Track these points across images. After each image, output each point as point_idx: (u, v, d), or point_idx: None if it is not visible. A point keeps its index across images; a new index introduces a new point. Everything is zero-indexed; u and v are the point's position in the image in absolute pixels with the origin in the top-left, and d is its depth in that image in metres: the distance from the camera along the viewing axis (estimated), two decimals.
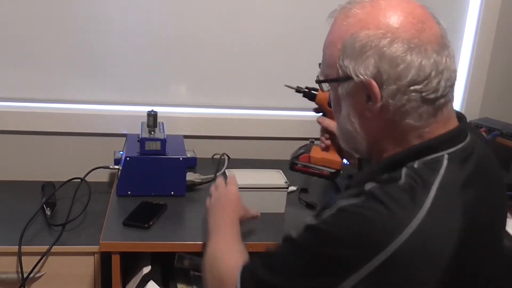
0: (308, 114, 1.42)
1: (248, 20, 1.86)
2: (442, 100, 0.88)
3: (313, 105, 1.46)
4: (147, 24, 1.81)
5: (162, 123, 1.68)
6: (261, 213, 1.34)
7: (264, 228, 1.39)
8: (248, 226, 1.34)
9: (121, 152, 1.67)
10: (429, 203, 0.81)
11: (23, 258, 1.37)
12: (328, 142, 1.37)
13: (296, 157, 1.52)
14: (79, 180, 1.61)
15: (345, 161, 1.44)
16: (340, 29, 0.89)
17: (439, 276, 0.81)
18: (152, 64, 1.85)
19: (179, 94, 1.91)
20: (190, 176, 1.66)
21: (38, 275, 1.41)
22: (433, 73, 0.85)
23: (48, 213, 1.54)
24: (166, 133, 1.61)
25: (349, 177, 1.55)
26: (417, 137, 0.89)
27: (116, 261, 1.33)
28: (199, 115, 1.91)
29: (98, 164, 1.64)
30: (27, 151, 1.84)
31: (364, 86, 0.86)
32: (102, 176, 1.78)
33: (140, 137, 1.58)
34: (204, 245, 1.18)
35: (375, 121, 0.89)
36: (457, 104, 2.10)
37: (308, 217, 0.88)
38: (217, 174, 1.76)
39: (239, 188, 1.29)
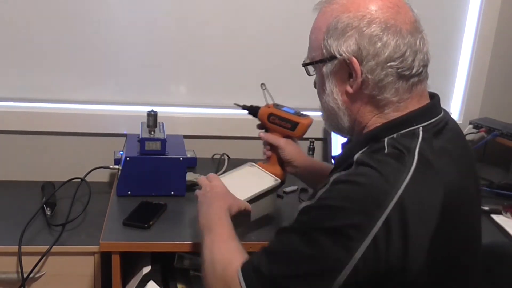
0: (308, 114, 1.43)
1: (248, 21, 1.86)
2: (416, 78, 0.96)
3: (314, 104, 1.46)
4: (147, 24, 1.81)
5: (162, 123, 1.68)
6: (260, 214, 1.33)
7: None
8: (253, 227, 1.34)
9: (121, 152, 1.67)
10: (414, 164, 0.89)
11: (23, 258, 1.37)
12: (269, 153, 1.43)
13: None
14: (79, 180, 1.61)
15: None
16: (325, 16, 0.98)
17: (433, 229, 0.87)
18: (152, 64, 1.85)
19: (179, 94, 1.91)
20: (190, 176, 1.66)
21: (38, 275, 1.41)
22: (408, 52, 0.94)
23: (48, 213, 1.54)
24: (166, 133, 1.61)
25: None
26: (394, 111, 0.97)
27: (116, 261, 1.33)
28: (199, 115, 1.91)
29: (98, 164, 1.64)
30: (27, 151, 1.84)
31: (345, 64, 0.95)
32: (102, 176, 1.78)
33: (140, 137, 1.58)
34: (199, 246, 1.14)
35: (356, 96, 0.98)
36: (457, 104, 2.10)
37: (300, 205, 0.94)
38: (217, 174, 1.76)
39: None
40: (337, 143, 1.91)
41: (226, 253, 1.02)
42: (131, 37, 1.81)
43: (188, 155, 1.74)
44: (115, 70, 1.84)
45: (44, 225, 1.50)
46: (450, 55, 2.02)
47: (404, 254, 0.85)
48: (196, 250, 1.32)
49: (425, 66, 0.98)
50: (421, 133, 0.95)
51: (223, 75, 1.90)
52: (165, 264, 1.44)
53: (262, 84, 1.55)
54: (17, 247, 1.37)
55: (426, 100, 1.00)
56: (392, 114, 0.97)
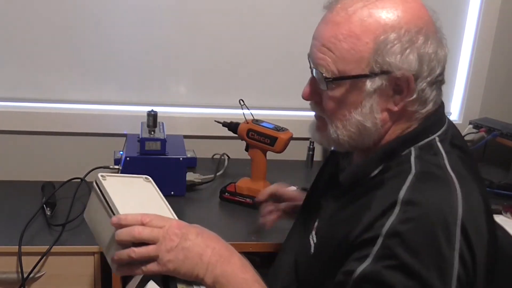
0: (308, 114, 1.43)
1: (249, 20, 1.86)
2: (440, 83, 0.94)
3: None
4: (147, 24, 1.81)
5: (162, 123, 1.68)
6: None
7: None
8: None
9: (121, 152, 1.67)
10: (456, 183, 0.85)
11: (23, 258, 1.37)
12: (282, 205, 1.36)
13: (225, 186, 1.63)
14: (79, 180, 1.61)
15: None
16: (364, 22, 0.86)
17: (486, 242, 0.86)
18: (152, 64, 1.85)
19: (179, 94, 1.91)
20: (190, 176, 1.66)
21: (38, 275, 1.41)
22: (446, 63, 0.92)
23: (48, 213, 1.54)
24: (166, 133, 1.61)
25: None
26: (415, 121, 0.93)
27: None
28: (199, 115, 1.91)
29: (98, 164, 1.64)
30: (27, 151, 1.84)
31: (394, 81, 0.87)
32: None
33: (140, 137, 1.58)
34: None
35: (397, 113, 0.91)
36: (457, 104, 2.10)
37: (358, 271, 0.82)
38: (217, 174, 1.77)
39: None
40: None
41: None
42: (131, 37, 1.81)
43: (188, 155, 1.74)
44: (115, 70, 1.84)
45: (44, 225, 1.50)
46: (450, 55, 2.01)
47: (474, 275, 0.82)
48: None
49: None
50: (439, 145, 0.92)
51: (223, 75, 1.90)
52: None
53: (240, 100, 1.57)
54: (17, 247, 1.37)
55: (438, 102, 0.95)
56: (406, 124, 0.93)
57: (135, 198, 0.99)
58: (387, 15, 0.86)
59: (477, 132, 1.99)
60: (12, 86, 1.80)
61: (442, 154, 0.90)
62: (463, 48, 2.04)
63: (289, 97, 1.83)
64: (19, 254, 1.37)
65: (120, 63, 1.83)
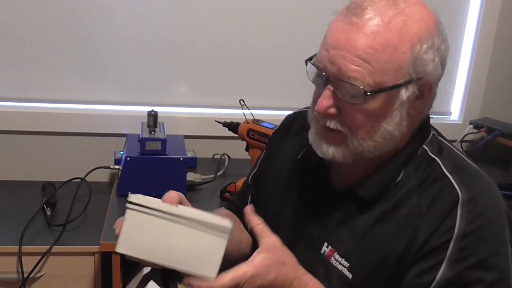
0: None
1: (249, 20, 1.86)
2: None
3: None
4: (147, 24, 1.81)
5: (162, 123, 1.68)
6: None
7: None
8: None
9: (121, 152, 1.67)
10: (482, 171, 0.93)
11: (23, 258, 1.37)
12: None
13: (225, 186, 1.62)
14: (79, 180, 1.61)
15: None
16: (401, 31, 0.83)
17: None
18: (152, 64, 1.85)
19: (179, 94, 1.91)
20: (190, 176, 1.66)
21: (38, 275, 1.41)
22: None
23: (48, 213, 1.54)
24: (166, 133, 1.61)
25: None
26: (420, 120, 0.94)
27: (116, 261, 1.33)
28: (199, 115, 1.91)
29: (98, 164, 1.64)
30: (27, 151, 1.84)
31: (419, 87, 0.87)
32: (102, 176, 1.78)
33: (140, 137, 1.58)
34: None
35: (416, 117, 0.91)
36: (457, 104, 2.10)
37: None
38: (217, 174, 1.77)
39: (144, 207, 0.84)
40: None
41: None
42: (132, 37, 1.81)
43: (188, 155, 1.74)
44: (115, 70, 1.84)
45: (44, 225, 1.50)
46: (450, 55, 2.00)
47: None
48: None
49: None
50: (440, 139, 0.96)
51: (223, 75, 1.90)
52: None
53: (240, 100, 1.57)
54: (17, 247, 1.37)
55: None
56: (415, 125, 0.93)
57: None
58: (418, 23, 0.85)
59: (477, 132, 1.99)
60: (12, 86, 1.80)
61: (450, 147, 0.95)
62: (463, 48, 2.04)
63: (289, 97, 1.83)
64: (19, 254, 1.37)
65: (120, 63, 1.83)
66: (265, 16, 1.86)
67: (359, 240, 0.92)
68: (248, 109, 1.59)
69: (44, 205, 1.55)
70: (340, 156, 0.90)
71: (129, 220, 0.82)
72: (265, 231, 0.87)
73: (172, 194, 0.86)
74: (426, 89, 0.88)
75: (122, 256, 0.93)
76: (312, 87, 0.98)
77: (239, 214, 1.21)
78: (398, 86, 0.84)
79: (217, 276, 0.82)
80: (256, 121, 1.58)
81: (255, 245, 1.12)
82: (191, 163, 1.80)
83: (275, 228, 1.05)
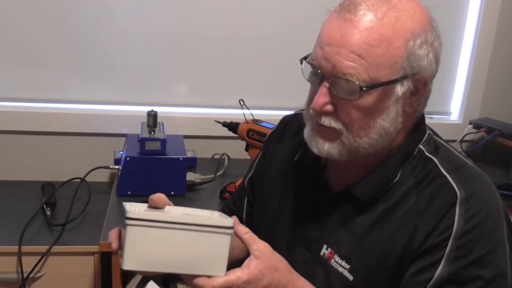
0: None
1: (249, 20, 1.86)
2: None
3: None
4: (147, 24, 1.81)
5: (162, 123, 1.68)
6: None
7: None
8: None
9: (121, 152, 1.67)
10: (478, 168, 0.93)
11: (23, 258, 1.37)
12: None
13: (225, 186, 1.61)
14: (79, 180, 1.61)
15: None
16: (394, 26, 0.83)
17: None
18: (152, 64, 1.85)
19: (179, 94, 1.91)
20: (190, 176, 1.66)
21: (38, 275, 1.41)
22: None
23: (48, 213, 1.54)
24: (166, 133, 1.61)
25: None
26: (415, 118, 0.94)
27: (116, 261, 1.32)
28: (199, 115, 1.91)
29: (98, 164, 1.64)
30: (27, 151, 1.84)
31: (414, 83, 0.87)
32: (102, 176, 1.78)
33: (140, 137, 1.58)
34: None
35: (411, 114, 0.91)
36: (457, 104, 2.10)
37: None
38: (217, 174, 1.77)
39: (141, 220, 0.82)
40: None
41: None
42: (131, 37, 1.81)
43: (188, 155, 1.74)
44: (115, 70, 1.84)
45: (44, 225, 1.50)
46: (450, 55, 2.02)
47: None
48: None
49: None
50: (437, 139, 0.97)
51: (223, 75, 1.90)
52: None
53: (240, 100, 1.57)
54: (17, 247, 1.37)
55: None
56: (410, 123, 0.94)
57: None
58: (412, 18, 0.85)
59: (477, 132, 1.99)
60: (12, 86, 1.80)
61: (447, 146, 0.96)
62: (463, 48, 2.03)
63: (289, 97, 1.83)
64: (19, 254, 1.37)
65: (120, 63, 1.83)
66: (265, 16, 1.86)
67: (359, 241, 0.92)
68: (248, 109, 1.59)
69: (44, 205, 1.55)
70: (335, 152, 0.89)
71: (131, 236, 0.81)
72: (253, 238, 0.87)
73: (159, 196, 0.88)
74: (421, 85, 0.89)
75: None
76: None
77: None
78: (393, 82, 0.85)
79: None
80: (255, 121, 1.59)
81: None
82: (191, 163, 1.80)
83: (273, 230, 1.05)
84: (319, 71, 0.87)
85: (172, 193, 1.59)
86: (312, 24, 0.96)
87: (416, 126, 0.95)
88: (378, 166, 0.93)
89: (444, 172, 0.90)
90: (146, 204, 0.90)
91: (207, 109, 1.92)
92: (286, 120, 1.17)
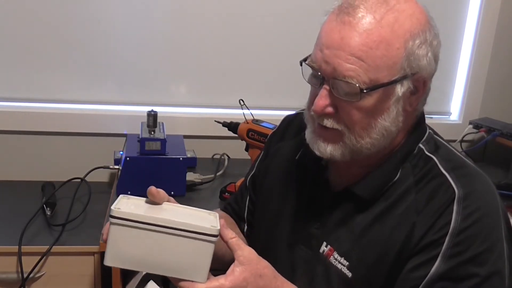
0: None
1: (249, 20, 1.86)
2: None
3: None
4: (147, 24, 1.81)
5: (162, 123, 1.68)
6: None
7: None
8: None
9: (121, 152, 1.67)
10: (478, 168, 0.93)
11: (23, 258, 1.37)
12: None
13: (225, 186, 1.61)
14: (79, 180, 1.61)
15: None
16: (393, 27, 0.84)
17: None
18: (152, 64, 1.85)
19: (179, 94, 1.91)
20: (190, 176, 1.66)
21: (38, 275, 1.41)
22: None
23: (48, 213, 1.54)
24: (166, 133, 1.61)
25: None
26: (414, 118, 0.94)
27: None
28: (199, 115, 1.91)
29: (98, 164, 1.64)
30: (27, 151, 1.84)
31: (413, 82, 0.87)
32: (102, 176, 1.78)
33: (140, 137, 1.58)
34: None
35: (411, 113, 0.92)
36: (457, 104, 2.10)
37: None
38: (217, 174, 1.77)
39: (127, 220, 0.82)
40: None
41: None
42: (131, 37, 1.81)
43: (188, 155, 1.74)
44: (115, 70, 1.84)
45: (44, 225, 1.50)
46: (450, 55, 2.02)
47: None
48: None
49: None
50: (438, 138, 0.97)
51: (223, 75, 1.90)
52: None
53: (240, 100, 1.57)
54: (17, 247, 1.37)
55: None
56: (410, 122, 0.94)
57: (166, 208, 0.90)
58: (410, 19, 0.85)
59: (477, 132, 1.99)
60: (12, 86, 1.80)
61: (447, 145, 0.96)
62: (463, 48, 2.03)
63: (289, 97, 1.83)
64: (19, 254, 1.37)
65: (120, 63, 1.83)
66: (265, 16, 1.86)
67: (358, 239, 0.93)
68: (248, 109, 1.59)
69: (44, 205, 1.55)
70: (338, 154, 0.90)
71: (113, 233, 0.82)
72: (239, 244, 0.87)
73: (159, 191, 0.89)
74: (421, 84, 0.89)
75: None
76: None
77: (236, 217, 1.21)
78: (393, 82, 0.85)
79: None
80: (255, 121, 1.59)
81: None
82: (191, 163, 1.80)
83: (274, 229, 1.06)
84: (319, 73, 0.87)
85: (172, 193, 1.57)
86: (312, 23, 0.97)
87: (417, 125, 0.95)
88: (378, 165, 0.93)
89: (443, 171, 0.90)
90: (144, 199, 0.90)
91: (207, 109, 1.92)
92: (287, 119, 1.18)
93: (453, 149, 0.97)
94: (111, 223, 0.82)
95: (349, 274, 0.93)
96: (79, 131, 1.84)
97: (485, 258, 0.85)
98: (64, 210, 1.55)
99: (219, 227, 0.84)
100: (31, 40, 1.76)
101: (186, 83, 1.91)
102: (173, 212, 0.89)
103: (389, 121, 0.88)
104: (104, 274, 1.44)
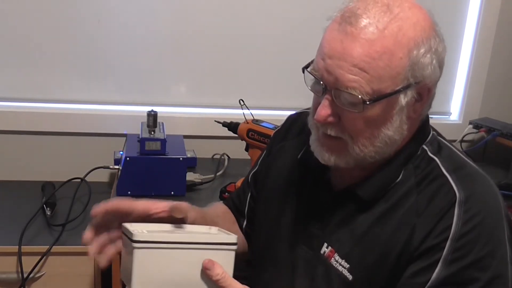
0: None
1: (249, 20, 1.86)
2: None
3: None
4: (147, 24, 1.81)
5: (162, 123, 1.68)
6: None
7: None
8: None
9: (121, 152, 1.67)
10: (481, 170, 0.93)
11: (23, 258, 1.37)
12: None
13: (225, 186, 1.61)
14: (79, 180, 1.61)
15: None
16: (396, 37, 0.82)
17: None
18: (152, 64, 1.85)
19: (179, 94, 1.91)
20: (190, 176, 1.66)
21: (38, 275, 1.41)
22: None
23: (48, 213, 1.54)
24: (166, 133, 1.61)
25: None
26: (419, 121, 0.93)
27: (116, 261, 1.32)
28: (199, 115, 1.91)
29: (98, 164, 1.64)
30: (27, 151, 1.84)
31: (418, 90, 0.86)
32: (102, 176, 1.78)
33: (140, 137, 1.58)
34: None
35: (415, 120, 0.91)
36: (457, 104, 2.10)
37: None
38: (217, 174, 1.77)
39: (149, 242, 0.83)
40: None
41: None
42: (131, 37, 1.81)
43: (188, 155, 1.74)
44: (115, 70, 1.84)
45: (44, 225, 1.50)
46: (450, 55, 2.00)
47: None
48: None
49: None
50: (441, 139, 0.96)
51: (223, 75, 1.90)
52: None
53: (240, 100, 1.57)
54: (17, 247, 1.37)
55: None
56: (415, 125, 0.93)
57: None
58: (414, 27, 0.84)
59: (477, 132, 1.99)
60: (12, 86, 1.80)
61: (451, 147, 0.95)
62: (463, 48, 2.04)
63: (289, 97, 1.83)
64: (19, 254, 1.37)
65: (121, 63, 1.83)
66: (265, 16, 1.87)
67: (359, 241, 0.92)
68: (248, 109, 1.59)
69: (44, 205, 1.55)
70: (342, 163, 0.90)
71: (139, 258, 0.82)
72: (230, 282, 0.84)
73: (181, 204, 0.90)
74: (425, 91, 0.88)
75: None
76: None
77: (236, 212, 1.22)
78: (396, 92, 0.84)
79: None
80: (255, 121, 1.59)
81: (249, 247, 1.13)
82: (191, 163, 1.80)
83: (275, 228, 1.06)
84: (321, 82, 0.87)
85: (172, 193, 1.59)
86: (313, 24, 0.97)
87: (421, 128, 0.94)
88: (381, 167, 0.93)
89: (445, 172, 0.89)
90: (143, 224, 0.90)
91: (207, 109, 1.92)
92: (291, 119, 1.18)
93: (456, 150, 0.96)
94: (136, 248, 0.81)
95: (350, 277, 0.92)
96: (79, 131, 1.84)
97: (487, 262, 0.84)
98: (64, 210, 1.55)
99: (236, 236, 0.87)
100: (31, 40, 1.76)
101: (186, 83, 1.91)
102: (184, 229, 0.91)
103: (393, 130, 0.87)
104: (104, 274, 1.44)
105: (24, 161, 1.84)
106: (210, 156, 1.93)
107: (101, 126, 1.84)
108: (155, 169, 1.57)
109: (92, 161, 1.66)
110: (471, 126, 2.00)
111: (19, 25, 1.75)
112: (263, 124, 1.58)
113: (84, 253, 1.41)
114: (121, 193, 1.57)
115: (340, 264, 0.94)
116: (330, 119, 0.87)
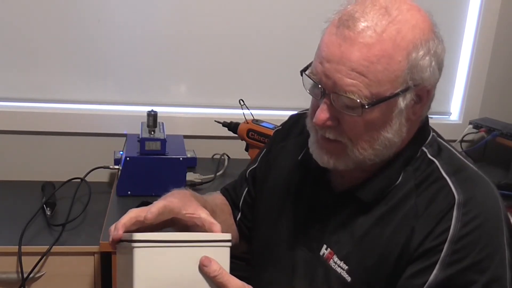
0: None
1: (249, 20, 1.86)
2: None
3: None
4: (147, 24, 1.81)
5: (162, 123, 1.68)
6: None
7: None
8: None
9: (121, 152, 1.67)
10: (481, 172, 0.93)
11: (23, 258, 1.37)
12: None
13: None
14: (79, 180, 1.61)
15: None
16: (395, 40, 0.82)
17: None
18: (152, 64, 1.85)
19: (179, 94, 1.91)
20: (190, 176, 1.66)
21: (38, 275, 1.41)
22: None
23: (48, 213, 1.54)
24: (166, 133, 1.61)
25: None
26: (419, 123, 0.94)
27: (116, 261, 1.32)
28: (199, 115, 1.91)
29: (98, 164, 1.64)
30: (27, 151, 1.84)
31: (417, 92, 0.86)
32: (102, 176, 1.78)
33: (140, 137, 1.58)
34: None
35: (414, 122, 0.91)
36: (457, 104, 2.10)
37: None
38: (217, 174, 1.77)
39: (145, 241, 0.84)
40: None
41: None
42: (131, 37, 1.81)
43: (188, 155, 1.74)
44: (115, 70, 1.84)
45: (44, 225, 1.50)
46: (450, 55, 2.01)
47: None
48: None
49: None
50: (441, 141, 0.96)
51: (223, 75, 1.90)
52: None
53: (240, 100, 1.57)
54: (17, 247, 1.37)
55: None
56: (414, 127, 0.93)
57: None
58: (413, 29, 0.83)
59: (477, 132, 1.99)
60: (12, 86, 1.80)
61: (450, 148, 0.95)
62: (463, 48, 2.04)
63: (289, 97, 1.83)
64: (19, 254, 1.37)
65: (121, 63, 1.83)
66: (265, 16, 1.87)
67: (358, 242, 0.92)
68: (248, 109, 1.59)
69: (44, 205, 1.55)
70: (341, 165, 0.91)
71: (139, 257, 0.84)
72: (228, 278, 0.84)
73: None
74: (424, 93, 0.88)
75: None
76: None
77: (231, 203, 1.23)
78: (395, 96, 0.84)
79: None
80: (255, 121, 1.59)
81: (241, 240, 1.15)
82: (191, 163, 1.80)
83: (275, 228, 1.06)
84: (320, 86, 0.86)
85: None
86: (312, 24, 0.96)
87: (420, 129, 0.94)
88: (381, 169, 0.93)
89: (444, 174, 0.89)
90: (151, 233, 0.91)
91: (207, 109, 1.92)
92: (292, 119, 1.18)
93: (456, 152, 0.96)
94: (135, 248, 0.83)
95: (348, 278, 0.92)
96: (79, 131, 1.84)
97: (485, 265, 0.84)
98: (64, 210, 1.55)
99: (230, 234, 0.89)
100: (31, 40, 1.76)
101: (186, 83, 1.91)
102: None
103: (392, 132, 0.87)
104: (104, 274, 1.44)
105: (24, 161, 1.84)
106: (210, 156, 1.93)
107: (101, 126, 1.84)
108: (155, 169, 1.57)
109: (92, 161, 1.66)
110: (471, 126, 1.99)
111: (19, 25, 1.75)
112: (263, 124, 1.58)
113: (84, 253, 1.42)
114: (121, 193, 1.57)
115: (339, 266, 0.94)
116: (329, 122, 0.87)
